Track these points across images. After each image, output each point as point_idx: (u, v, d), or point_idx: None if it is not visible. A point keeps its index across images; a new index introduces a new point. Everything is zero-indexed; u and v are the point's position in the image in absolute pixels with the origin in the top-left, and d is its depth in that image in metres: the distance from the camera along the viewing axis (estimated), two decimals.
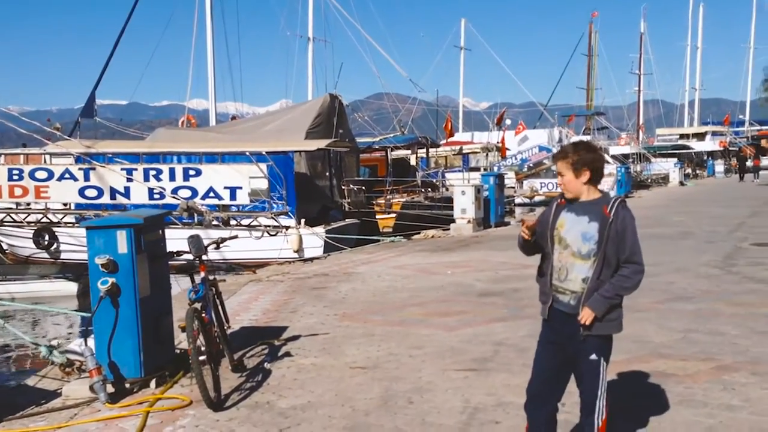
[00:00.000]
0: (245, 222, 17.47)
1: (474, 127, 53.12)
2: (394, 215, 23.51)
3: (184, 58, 35.68)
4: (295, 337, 7.90)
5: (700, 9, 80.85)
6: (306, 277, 12.49)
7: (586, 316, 3.85)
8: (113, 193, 17.55)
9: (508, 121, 40.75)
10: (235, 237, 7.25)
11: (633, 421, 5.04)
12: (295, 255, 16.92)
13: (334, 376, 6.43)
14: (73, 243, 17.17)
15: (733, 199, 29.46)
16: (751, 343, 7.00)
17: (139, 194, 17.35)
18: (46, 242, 18.30)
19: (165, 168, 17.47)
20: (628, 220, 3.84)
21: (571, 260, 3.94)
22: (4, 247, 19.04)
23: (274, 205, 17.14)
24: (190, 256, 6.55)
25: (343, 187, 22.09)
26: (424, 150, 31.65)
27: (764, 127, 75.39)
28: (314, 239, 17.41)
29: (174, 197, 16.47)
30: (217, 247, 6.65)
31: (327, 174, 21.61)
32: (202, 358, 5.74)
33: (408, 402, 5.64)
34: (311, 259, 15.55)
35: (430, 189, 27.02)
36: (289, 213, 17.16)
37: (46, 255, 18.38)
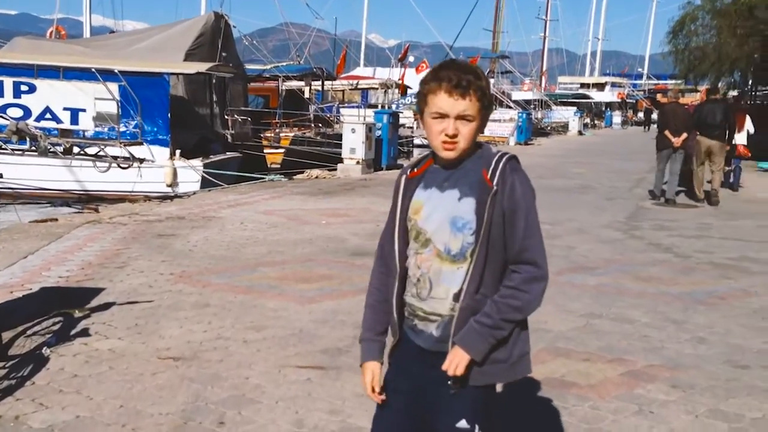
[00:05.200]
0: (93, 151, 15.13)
1: (378, 63, 51.05)
2: (282, 151, 21.67)
3: None
4: (106, 306, 6.15)
5: None
6: (156, 220, 10.64)
7: (456, 361, 2.25)
8: None
9: (411, 58, 39.14)
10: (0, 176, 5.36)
11: None
12: (169, 190, 14.98)
13: (132, 371, 4.76)
14: None
15: (631, 152, 29.08)
16: (665, 337, 5.74)
17: None
18: None
19: None
20: (520, 192, 2.25)
21: (437, 264, 2.32)
22: None
23: (127, 133, 14.90)
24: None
25: (226, 117, 20.01)
26: (320, 82, 29.62)
27: (661, 81, 77.05)
28: (190, 173, 15.48)
29: (2, 116, 13.99)
30: None
31: (208, 102, 19.52)
32: None
33: (218, 423, 4.04)
34: (171, 198, 13.64)
35: (322, 125, 25.16)
36: (143, 142, 14.98)
37: None
